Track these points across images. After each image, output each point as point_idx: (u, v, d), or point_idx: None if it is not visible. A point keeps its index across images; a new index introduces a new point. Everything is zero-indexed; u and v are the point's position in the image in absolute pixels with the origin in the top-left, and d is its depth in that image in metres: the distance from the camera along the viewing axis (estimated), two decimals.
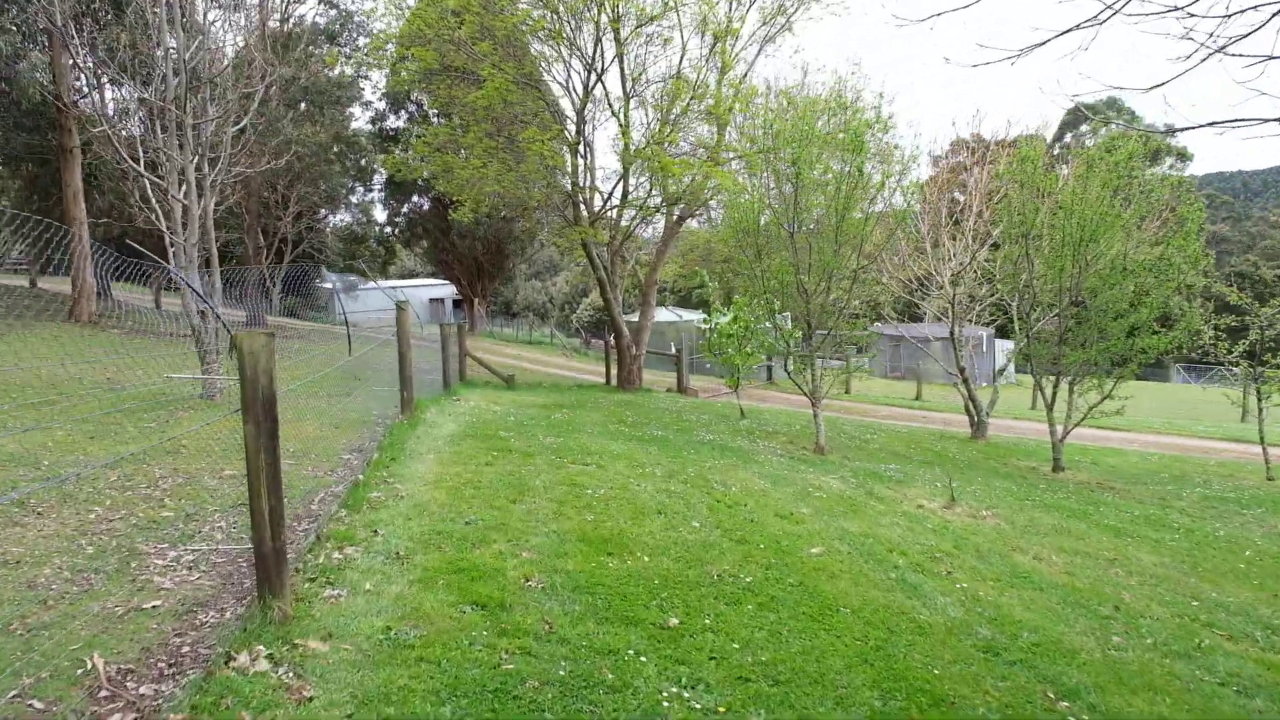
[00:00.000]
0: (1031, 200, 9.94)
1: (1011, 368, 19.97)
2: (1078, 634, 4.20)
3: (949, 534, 6.03)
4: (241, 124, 9.77)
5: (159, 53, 8.29)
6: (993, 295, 12.51)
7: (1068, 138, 46.99)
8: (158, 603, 3.46)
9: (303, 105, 29.24)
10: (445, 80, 15.27)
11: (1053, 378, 10.37)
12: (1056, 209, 9.60)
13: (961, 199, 13.01)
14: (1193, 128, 3.38)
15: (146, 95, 8.41)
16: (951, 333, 12.56)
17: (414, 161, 16.96)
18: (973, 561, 5.34)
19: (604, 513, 5.40)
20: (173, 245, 8.56)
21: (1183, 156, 44.37)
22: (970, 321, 12.90)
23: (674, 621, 3.65)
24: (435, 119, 27.61)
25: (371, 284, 45.88)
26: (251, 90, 10.10)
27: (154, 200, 8.42)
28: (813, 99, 13.09)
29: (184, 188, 8.40)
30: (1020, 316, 10.10)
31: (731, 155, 14.75)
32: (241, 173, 10.42)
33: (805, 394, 10.48)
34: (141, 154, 8.53)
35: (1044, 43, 3.18)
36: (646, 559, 4.52)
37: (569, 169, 15.44)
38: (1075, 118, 43.38)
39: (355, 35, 31.26)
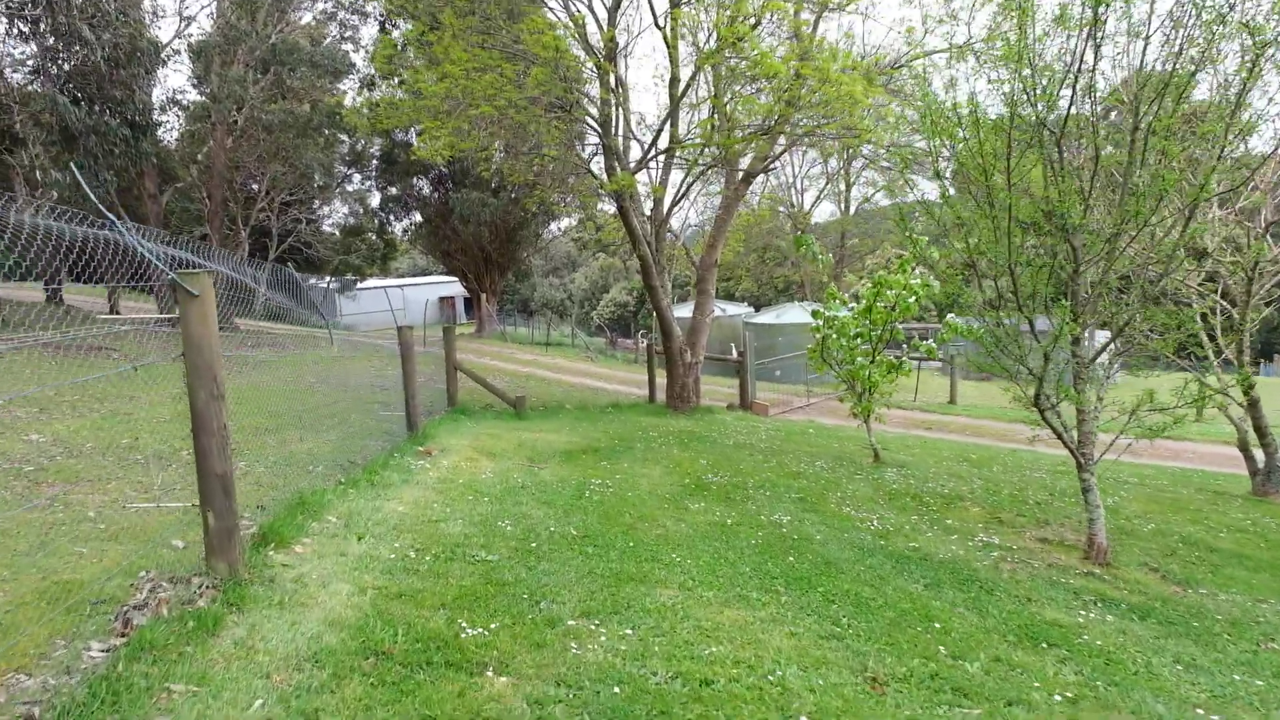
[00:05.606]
0: None
1: (1115, 366, 14.40)
2: None
3: None
4: None
5: None
6: None
7: None
8: None
9: (272, 70, 24.49)
10: None
11: None
12: None
13: None
14: None
15: None
16: (1243, 325, 7.51)
17: (377, 107, 12.10)
18: None
19: None
20: None
21: None
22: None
23: None
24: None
25: (370, 283, 41.27)
26: None
27: None
28: None
29: None
30: None
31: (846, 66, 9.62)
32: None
33: (1066, 445, 5.49)
34: None
35: None
36: None
37: (596, 101, 10.51)
38: None
39: None
